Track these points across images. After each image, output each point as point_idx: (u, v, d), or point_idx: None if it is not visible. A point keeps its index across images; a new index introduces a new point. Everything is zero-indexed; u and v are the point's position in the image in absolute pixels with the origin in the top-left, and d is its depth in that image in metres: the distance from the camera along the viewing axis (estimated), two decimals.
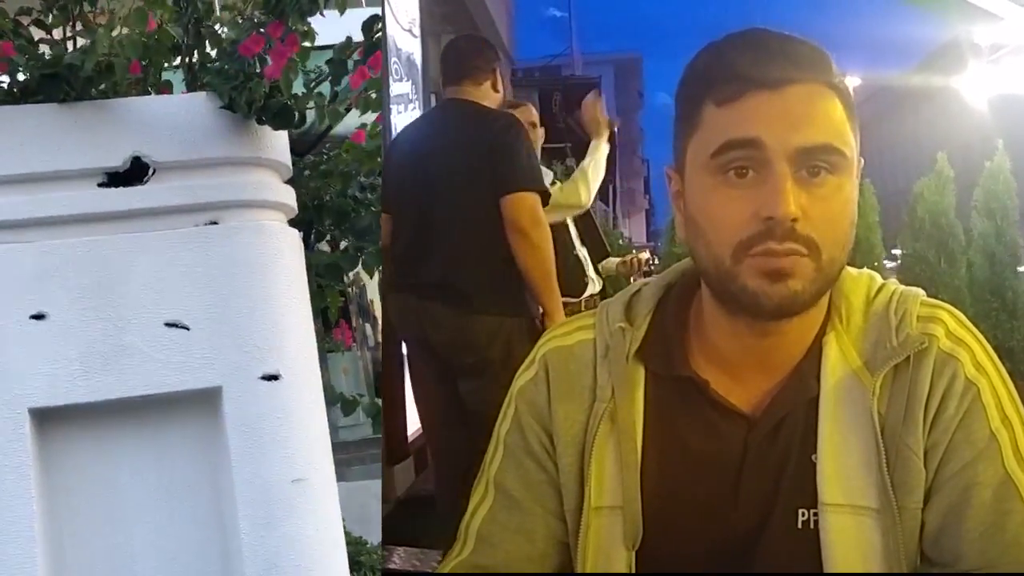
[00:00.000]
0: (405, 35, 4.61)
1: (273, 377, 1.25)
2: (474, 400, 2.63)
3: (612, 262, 3.78)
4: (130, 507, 1.24)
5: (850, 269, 0.96)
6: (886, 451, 0.91)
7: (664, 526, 0.96)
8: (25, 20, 1.38)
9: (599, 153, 3.37)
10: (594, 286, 3.40)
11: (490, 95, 2.86)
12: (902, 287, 0.98)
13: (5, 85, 1.32)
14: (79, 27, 1.37)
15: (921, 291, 0.98)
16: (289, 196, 1.38)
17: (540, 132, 3.50)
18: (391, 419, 3.62)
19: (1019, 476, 0.90)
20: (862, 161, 0.93)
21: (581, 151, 3.58)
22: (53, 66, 1.27)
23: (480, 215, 2.64)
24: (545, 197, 2.68)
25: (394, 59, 4.31)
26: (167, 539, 1.25)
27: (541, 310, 2.73)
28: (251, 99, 1.26)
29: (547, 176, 3.50)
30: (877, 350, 0.93)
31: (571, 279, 3.21)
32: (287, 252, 1.32)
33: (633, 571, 0.96)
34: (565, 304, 2.75)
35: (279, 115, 1.30)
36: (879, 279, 0.99)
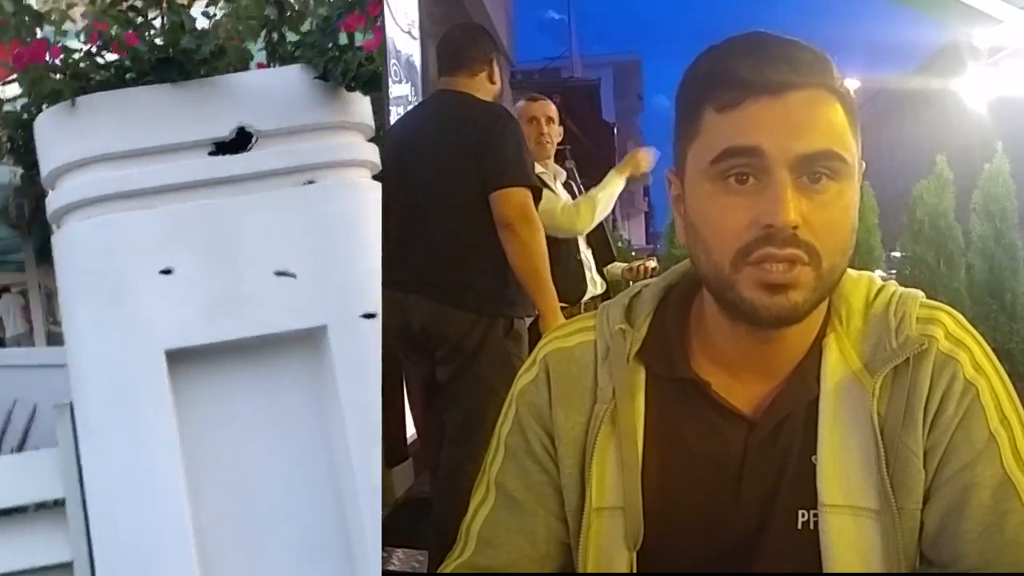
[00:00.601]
0: (404, 37, 4.62)
1: (371, 315, 1.45)
2: (447, 387, 2.58)
3: (618, 267, 3.71)
4: (249, 433, 1.43)
5: (850, 271, 0.96)
6: (885, 452, 0.91)
7: (665, 527, 0.96)
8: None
9: (614, 187, 3.27)
10: (595, 288, 3.34)
11: (485, 87, 2.75)
12: (901, 289, 0.98)
13: (113, 69, 1.47)
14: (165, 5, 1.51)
15: (920, 293, 0.98)
16: (373, 154, 1.54)
17: (559, 129, 3.45)
18: (390, 420, 3.61)
19: (1018, 477, 0.90)
20: (863, 164, 0.93)
21: (580, 153, 3.56)
22: (167, 51, 1.43)
23: (463, 212, 2.56)
24: (536, 192, 2.59)
25: (393, 61, 4.31)
26: (281, 460, 1.43)
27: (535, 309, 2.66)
28: (346, 70, 1.41)
29: (560, 176, 3.48)
30: (877, 352, 0.94)
31: (571, 284, 3.15)
32: (374, 205, 1.50)
33: (634, 571, 0.96)
34: (562, 309, 2.66)
35: (369, 82, 1.46)
36: (878, 281, 0.99)
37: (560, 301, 2.64)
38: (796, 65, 0.88)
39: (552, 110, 3.44)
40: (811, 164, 0.87)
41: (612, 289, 3.51)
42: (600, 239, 3.56)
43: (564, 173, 3.53)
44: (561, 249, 3.06)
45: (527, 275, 2.54)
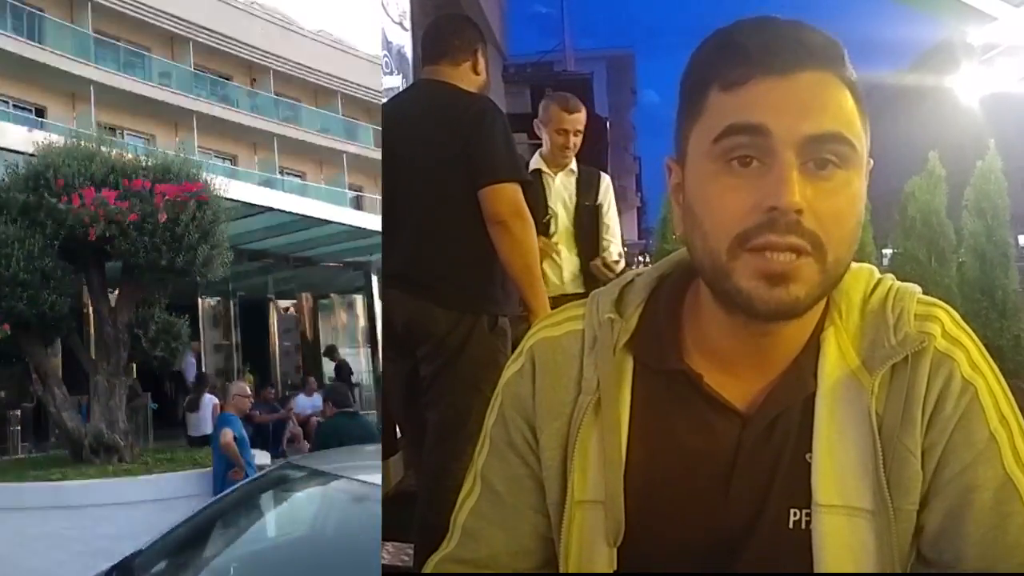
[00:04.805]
0: (396, 28, 4.59)
1: None
2: (431, 385, 2.54)
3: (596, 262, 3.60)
4: None
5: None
6: (883, 452, 0.89)
7: (649, 523, 0.94)
8: None
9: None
10: (560, 286, 3.27)
11: (469, 77, 2.68)
12: (899, 283, 0.96)
13: None
14: None
15: (917, 288, 0.96)
16: None
17: (577, 140, 3.44)
18: (387, 414, 3.61)
19: (1018, 477, 0.88)
20: (871, 162, 0.90)
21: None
22: None
23: (447, 206, 2.51)
24: (526, 187, 2.53)
25: (384, 53, 4.29)
26: None
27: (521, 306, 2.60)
28: None
29: (568, 184, 3.47)
30: (875, 349, 0.91)
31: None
32: None
33: (615, 569, 0.94)
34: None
35: None
36: (877, 274, 0.97)
37: (496, 311, 2.55)
38: (806, 46, 0.85)
39: (583, 122, 3.43)
40: (818, 147, 0.83)
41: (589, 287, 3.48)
42: (588, 233, 3.49)
43: (574, 176, 3.52)
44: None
45: (520, 272, 2.49)
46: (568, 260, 3.46)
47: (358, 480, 2.59)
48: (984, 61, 6.96)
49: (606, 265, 3.46)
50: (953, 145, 7.54)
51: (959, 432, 0.89)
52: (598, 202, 3.55)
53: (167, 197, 6.08)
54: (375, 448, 4.18)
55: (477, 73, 2.71)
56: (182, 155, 7.45)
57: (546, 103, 3.49)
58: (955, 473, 0.89)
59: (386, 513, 3.63)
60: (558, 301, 2.94)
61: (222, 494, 2.88)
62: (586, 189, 3.53)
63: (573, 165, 3.53)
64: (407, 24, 4.78)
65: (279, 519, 2.85)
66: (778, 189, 0.82)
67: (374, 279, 13.47)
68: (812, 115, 0.84)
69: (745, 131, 0.84)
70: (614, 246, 3.55)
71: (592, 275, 3.48)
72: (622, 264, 3.51)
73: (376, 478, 2.54)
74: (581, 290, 3.43)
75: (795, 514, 0.91)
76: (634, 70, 39.22)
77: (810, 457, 0.91)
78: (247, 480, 3.34)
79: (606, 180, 3.62)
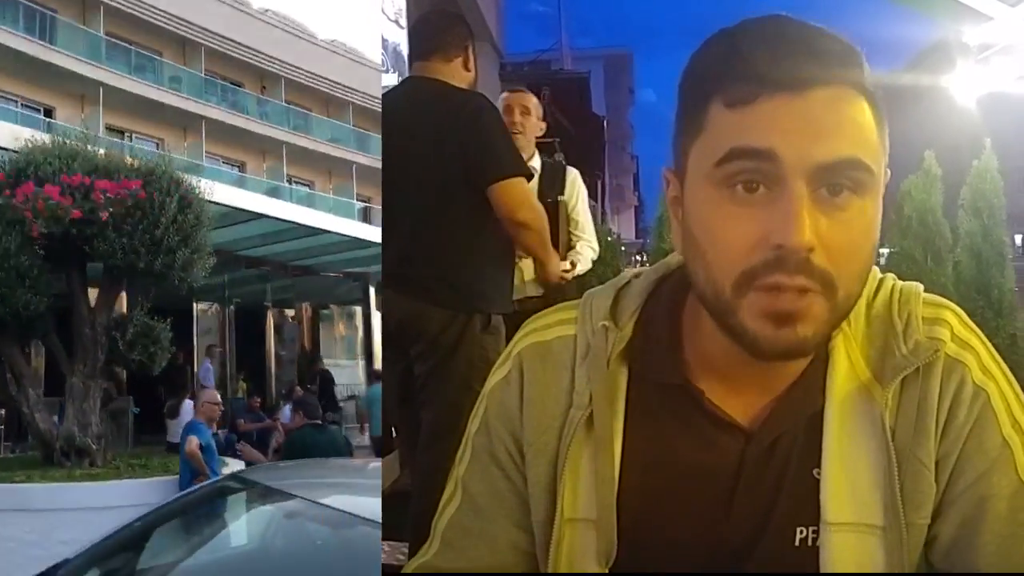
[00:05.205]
0: (392, 26, 4.58)
1: None
2: (424, 384, 2.54)
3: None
4: None
5: None
6: (898, 465, 0.85)
7: (644, 542, 0.90)
8: None
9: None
10: (523, 289, 3.16)
11: (459, 73, 2.66)
12: (901, 283, 0.92)
13: None
14: None
15: (920, 286, 0.92)
16: None
17: (537, 123, 3.35)
18: (385, 413, 3.60)
19: None
20: (889, 173, 0.84)
21: (570, 146, 3.51)
22: None
23: (441, 204, 2.49)
24: (530, 178, 2.56)
25: (381, 51, 4.28)
26: None
27: (512, 304, 2.66)
28: None
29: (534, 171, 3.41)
30: (885, 358, 0.87)
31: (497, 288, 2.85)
32: None
33: None
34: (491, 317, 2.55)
35: None
36: (877, 273, 0.93)
37: (489, 309, 2.55)
38: (820, 58, 0.78)
39: (528, 101, 3.33)
40: (832, 174, 0.77)
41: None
42: (551, 231, 3.42)
43: (538, 169, 3.43)
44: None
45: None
46: (527, 262, 3.37)
47: (298, 496, 2.51)
48: (980, 60, 6.96)
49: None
50: (949, 144, 7.54)
51: (972, 440, 0.86)
52: (563, 197, 3.43)
53: (108, 194, 5.92)
54: (340, 463, 4.07)
55: (468, 69, 2.69)
56: (167, 154, 7.32)
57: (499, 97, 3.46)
58: (969, 483, 0.85)
59: (382, 512, 3.63)
60: (521, 304, 2.96)
61: (159, 504, 2.85)
62: (549, 184, 3.40)
63: (536, 161, 3.40)
64: (403, 22, 4.77)
65: (215, 532, 2.80)
66: (787, 225, 0.76)
67: (371, 291, 13.42)
68: (825, 139, 0.77)
69: (751, 156, 0.77)
70: (582, 243, 3.46)
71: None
72: (578, 269, 3.37)
73: (320, 496, 2.48)
74: (540, 293, 3.33)
75: (801, 532, 0.87)
76: (632, 69, 39.17)
77: (818, 472, 0.87)
78: (188, 491, 3.27)
79: (572, 173, 3.51)
